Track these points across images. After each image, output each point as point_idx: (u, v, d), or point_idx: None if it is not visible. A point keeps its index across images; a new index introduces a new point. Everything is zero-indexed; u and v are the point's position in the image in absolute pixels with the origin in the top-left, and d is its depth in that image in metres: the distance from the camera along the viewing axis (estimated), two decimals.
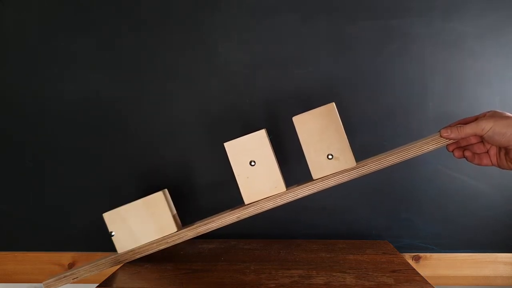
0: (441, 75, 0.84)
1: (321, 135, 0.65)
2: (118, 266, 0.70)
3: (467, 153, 0.63)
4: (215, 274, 0.65)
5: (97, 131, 0.88)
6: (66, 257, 0.90)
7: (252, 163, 0.66)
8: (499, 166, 0.61)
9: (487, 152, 0.62)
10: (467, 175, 0.85)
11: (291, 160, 0.83)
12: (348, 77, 0.85)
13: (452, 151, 0.65)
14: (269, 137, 0.67)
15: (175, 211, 0.72)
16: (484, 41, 0.83)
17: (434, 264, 0.87)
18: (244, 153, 0.66)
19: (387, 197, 0.86)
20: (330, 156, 0.65)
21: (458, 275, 0.87)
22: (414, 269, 0.67)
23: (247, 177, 0.66)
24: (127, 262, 0.70)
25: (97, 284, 0.62)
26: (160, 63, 0.86)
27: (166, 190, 0.71)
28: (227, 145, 0.67)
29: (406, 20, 0.83)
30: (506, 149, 0.59)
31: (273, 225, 0.88)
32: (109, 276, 0.65)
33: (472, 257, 0.86)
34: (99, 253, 0.88)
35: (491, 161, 0.62)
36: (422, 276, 0.64)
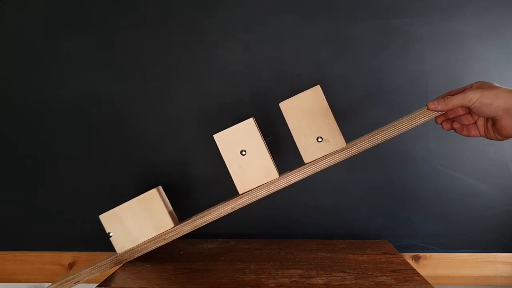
0: (441, 75, 0.84)
1: (309, 118, 0.65)
2: (118, 266, 0.70)
3: (456, 125, 0.63)
4: (215, 274, 0.65)
5: (97, 131, 0.88)
6: (66, 257, 0.90)
7: (243, 153, 0.66)
8: (486, 137, 0.62)
9: (475, 123, 0.62)
10: (467, 175, 0.85)
11: (290, 159, 0.83)
12: (348, 77, 0.85)
13: (441, 124, 0.65)
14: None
15: (171, 208, 0.72)
16: (484, 41, 0.83)
17: (434, 264, 0.87)
18: (234, 143, 0.66)
19: (387, 196, 0.87)
20: (320, 139, 0.65)
21: (458, 275, 0.87)
22: (414, 269, 0.67)
23: (239, 167, 0.67)
24: (127, 262, 0.70)
25: (97, 284, 0.62)
26: (160, 63, 0.86)
27: (160, 187, 0.71)
28: (217, 136, 0.67)
29: (406, 20, 0.83)
30: (493, 120, 0.58)
31: (273, 225, 0.88)
32: (109, 276, 0.65)
33: (472, 257, 0.86)
34: (99, 253, 0.88)
35: (479, 132, 0.62)
36: (422, 276, 0.64)
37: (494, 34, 0.82)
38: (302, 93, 0.65)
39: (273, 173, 0.66)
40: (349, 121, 0.84)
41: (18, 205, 0.90)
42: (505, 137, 0.59)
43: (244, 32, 0.85)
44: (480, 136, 0.62)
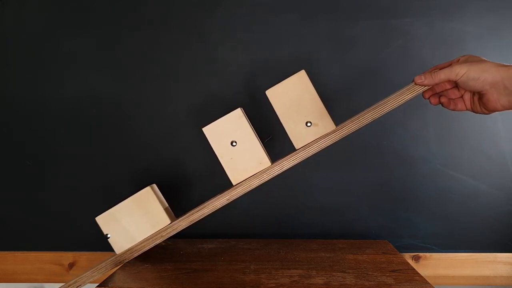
0: None
1: (297, 104, 0.65)
2: (119, 266, 0.70)
3: (443, 99, 0.63)
4: (215, 274, 0.65)
5: (97, 131, 0.88)
6: (66, 257, 0.90)
7: (234, 144, 0.66)
8: (472, 111, 0.62)
9: (462, 97, 0.62)
10: (467, 175, 0.85)
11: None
12: (348, 77, 0.85)
13: (428, 98, 0.65)
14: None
15: (166, 204, 0.72)
16: (484, 41, 0.83)
17: (434, 264, 0.87)
18: (223, 134, 0.66)
19: (387, 196, 0.87)
20: (309, 124, 0.65)
21: (458, 275, 0.87)
22: (414, 269, 0.67)
23: (231, 158, 0.67)
24: (127, 262, 0.70)
25: (97, 284, 0.62)
26: (160, 63, 0.86)
27: (154, 185, 0.71)
28: (206, 129, 0.67)
29: (406, 20, 0.83)
30: (479, 94, 0.58)
31: (273, 225, 0.88)
32: (109, 276, 0.65)
33: (472, 257, 0.86)
34: (99, 253, 0.88)
35: (465, 105, 0.62)
36: (422, 276, 0.64)
37: (494, 35, 0.82)
38: (288, 79, 0.65)
39: (265, 161, 0.66)
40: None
41: (18, 205, 0.90)
42: (491, 111, 0.59)
43: (244, 32, 0.85)
44: (467, 110, 0.62)
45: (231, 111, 0.86)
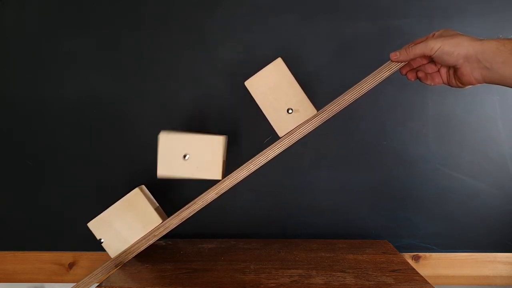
0: None
1: (276, 92, 0.66)
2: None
3: (420, 74, 0.63)
4: (215, 273, 0.65)
5: (97, 131, 0.88)
6: (67, 256, 0.90)
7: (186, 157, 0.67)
8: (449, 85, 0.62)
9: (438, 71, 0.62)
10: (467, 175, 0.85)
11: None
12: (348, 77, 0.85)
13: (406, 74, 0.65)
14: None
15: (157, 204, 0.72)
16: None
17: (433, 264, 0.87)
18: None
19: (387, 196, 0.87)
20: (290, 111, 0.65)
21: (458, 274, 0.87)
22: (413, 268, 0.67)
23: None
24: (127, 262, 0.70)
25: (97, 284, 0.62)
26: (160, 63, 0.86)
27: (143, 186, 0.72)
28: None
29: (406, 21, 0.83)
30: (454, 68, 0.59)
31: (273, 225, 0.88)
32: (109, 276, 0.65)
33: (472, 257, 0.86)
34: (99, 253, 0.88)
35: (442, 79, 0.62)
36: (422, 276, 0.64)
37: (495, 35, 0.82)
38: (265, 68, 0.66)
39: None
40: (349, 122, 0.84)
41: (18, 205, 0.90)
42: (465, 85, 0.59)
43: (244, 32, 0.85)
44: (443, 83, 0.63)
45: (231, 110, 0.87)
